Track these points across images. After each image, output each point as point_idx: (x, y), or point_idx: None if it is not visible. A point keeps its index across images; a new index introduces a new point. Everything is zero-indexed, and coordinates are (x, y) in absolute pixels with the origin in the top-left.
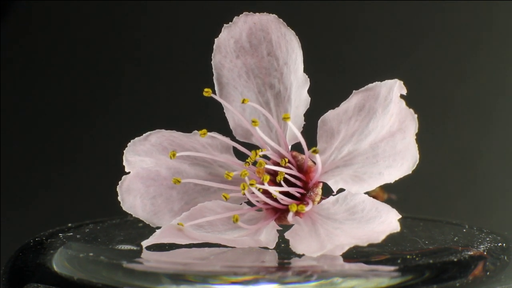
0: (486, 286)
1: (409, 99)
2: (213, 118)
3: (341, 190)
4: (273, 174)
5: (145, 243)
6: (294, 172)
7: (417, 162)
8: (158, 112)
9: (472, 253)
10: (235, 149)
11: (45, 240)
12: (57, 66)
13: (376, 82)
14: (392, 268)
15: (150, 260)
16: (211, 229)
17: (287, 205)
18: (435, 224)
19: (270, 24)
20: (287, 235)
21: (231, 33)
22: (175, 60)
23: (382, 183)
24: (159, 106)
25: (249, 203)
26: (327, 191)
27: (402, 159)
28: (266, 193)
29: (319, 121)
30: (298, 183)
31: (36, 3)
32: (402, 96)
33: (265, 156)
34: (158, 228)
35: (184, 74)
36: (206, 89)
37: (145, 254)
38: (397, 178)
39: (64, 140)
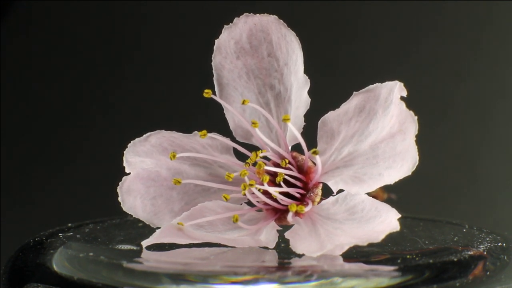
0: (486, 286)
1: (409, 99)
2: (213, 119)
3: (341, 191)
4: (273, 174)
5: (145, 243)
6: (294, 173)
7: (417, 164)
8: (159, 112)
9: (472, 253)
10: (235, 149)
11: (45, 240)
12: (57, 66)
13: (377, 84)
14: (392, 268)
15: (150, 260)
16: (211, 229)
17: (287, 206)
18: (435, 224)
19: (271, 25)
20: (287, 235)
21: (231, 34)
22: (175, 61)
23: (382, 184)
24: (159, 107)
25: (249, 203)
26: (327, 192)
27: (402, 160)
28: (266, 193)
29: (319, 122)
30: (298, 183)
31: (36, 3)
32: (402, 97)
33: (265, 157)
34: (158, 228)
35: (184, 75)
36: (206, 90)
37: (145, 254)
38: (397, 180)
39: (64, 140)
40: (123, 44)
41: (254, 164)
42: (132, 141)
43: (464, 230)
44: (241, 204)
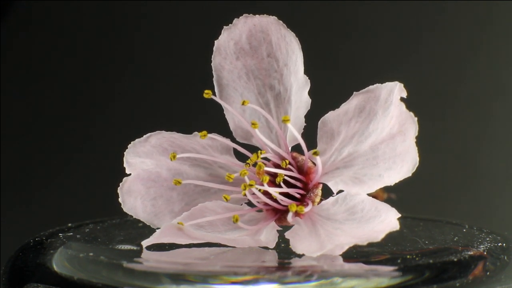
0: (486, 286)
1: (410, 99)
2: (213, 120)
3: (341, 192)
4: (273, 175)
5: (145, 243)
6: (294, 174)
7: (417, 165)
8: (159, 113)
9: (472, 253)
10: (235, 150)
11: (45, 240)
12: (57, 66)
13: (377, 84)
14: (392, 268)
15: (150, 260)
16: (212, 229)
17: (287, 206)
18: (435, 224)
19: (270, 25)
20: (287, 234)
21: (231, 35)
22: (175, 62)
23: (382, 185)
24: (159, 108)
25: (249, 204)
26: (327, 193)
27: (402, 162)
28: (266, 193)
29: (319, 122)
30: (298, 184)
31: (36, 3)
32: (402, 99)
33: (266, 158)
34: (159, 228)
35: (184, 76)
36: (206, 91)
37: (145, 254)
38: (397, 181)
39: (64, 141)
40: (123, 44)
41: (255, 164)
42: (132, 142)
43: (464, 230)
44: (241, 205)
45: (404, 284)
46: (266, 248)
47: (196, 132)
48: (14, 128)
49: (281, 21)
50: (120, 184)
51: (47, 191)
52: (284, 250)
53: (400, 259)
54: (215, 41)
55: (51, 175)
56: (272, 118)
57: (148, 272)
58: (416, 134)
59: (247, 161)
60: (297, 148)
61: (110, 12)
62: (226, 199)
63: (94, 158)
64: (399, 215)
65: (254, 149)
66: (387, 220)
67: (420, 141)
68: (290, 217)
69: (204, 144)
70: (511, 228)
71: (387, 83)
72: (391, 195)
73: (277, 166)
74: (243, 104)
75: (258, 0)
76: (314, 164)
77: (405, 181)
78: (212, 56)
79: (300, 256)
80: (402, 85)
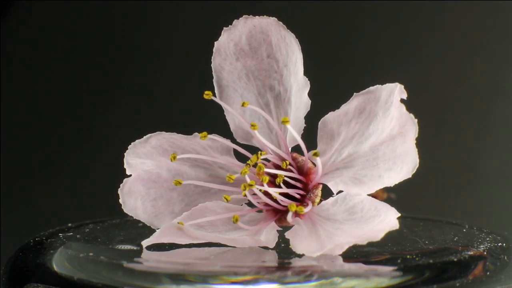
0: (486, 286)
1: (410, 99)
2: (213, 121)
3: (341, 192)
4: (273, 175)
5: (145, 243)
6: (294, 174)
7: (417, 167)
8: (159, 114)
9: (472, 253)
10: (236, 151)
11: (45, 240)
12: (57, 67)
13: (377, 85)
14: (392, 268)
15: (150, 260)
16: (212, 229)
17: (287, 207)
18: (435, 224)
19: (270, 27)
20: (287, 234)
21: (230, 36)
22: (175, 63)
23: (382, 186)
24: (159, 109)
25: (249, 204)
26: (327, 194)
27: (402, 163)
28: (266, 194)
29: (319, 123)
30: (298, 184)
31: (36, 3)
32: (402, 100)
33: (266, 159)
34: (159, 229)
35: (184, 77)
36: (206, 92)
37: (145, 254)
38: (397, 182)
39: (64, 141)
40: (123, 45)
41: (255, 165)
42: (132, 143)
43: (464, 230)
44: (241, 205)
45: (404, 284)
46: (266, 248)
47: (196, 133)
48: (14, 128)
49: (281, 22)
50: (121, 185)
51: (47, 191)
52: (284, 250)
53: (400, 259)
54: (215, 42)
55: (51, 175)
56: (272, 119)
57: (148, 272)
58: (416, 135)
59: (247, 162)
60: (297, 149)
61: (110, 12)
62: (227, 199)
63: (94, 158)
64: (399, 215)
65: (255, 150)
66: (387, 219)
67: (420, 141)
68: (290, 217)
69: (204, 145)
70: (511, 228)
71: (387, 84)
72: (391, 195)
73: (277, 166)
74: (242, 105)
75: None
76: (314, 164)
77: (405, 181)
78: (212, 57)
79: (300, 256)
80: (402, 86)
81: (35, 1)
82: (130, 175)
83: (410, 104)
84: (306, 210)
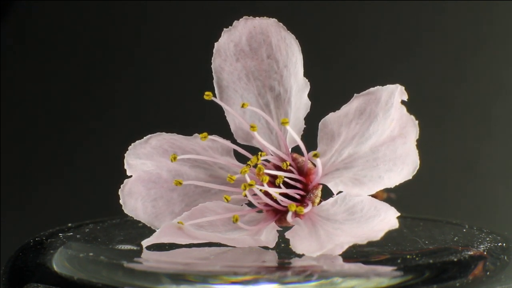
0: (486, 286)
1: (410, 99)
2: (213, 121)
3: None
4: (273, 176)
5: (145, 243)
6: (294, 175)
7: (418, 168)
8: (159, 115)
9: (472, 253)
10: (236, 151)
11: (45, 240)
12: (57, 67)
13: (378, 86)
14: (392, 268)
15: (150, 260)
16: (212, 229)
17: (287, 207)
18: (435, 224)
19: (270, 27)
20: (287, 234)
21: (231, 37)
22: (175, 64)
23: (382, 187)
24: (160, 109)
25: (250, 204)
26: (327, 194)
27: (402, 164)
28: (267, 194)
29: (319, 123)
30: (298, 185)
31: (36, 3)
32: (403, 101)
33: (266, 160)
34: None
35: (184, 78)
36: (206, 93)
37: (145, 254)
38: (397, 183)
39: (64, 141)
40: (123, 45)
41: (255, 166)
42: (132, 144)
43: (464, 230)
44: (241, 205)
45: (404, 284)
46: (266, 248)
47: (196, 134)
48: (14, 128)
49: (281, 23)
50: (121, 186)
51: (47, 191)
52: (284, 250)
53: (400, 259)
54: (215, 43)
55: (51, 175)
56: (272, 119)
57: (148, 272)
58: (417, 137)
59: (248, 163)
60: (297, 149)
61: (111, 13)
62: (227, 199)
63: (94, 158)
64: (398, 214)
65: (255, 150)
66: (387, 219)
67: (420, 141)
68: (289, 217)
69: (205, 146)
70: (511, 228)
71: (388, 85)
72: (391, 194)
73: (277, 167)
74: (242, 106)
75: (258, 1)
76: (314, 165)
77: (405, 181)
78: (212, 58)
79: (300, 256)
80: (403, 87)
81: (35, 1)
82: (131, 176)
83: (410, 104)
84: (306, 210)
